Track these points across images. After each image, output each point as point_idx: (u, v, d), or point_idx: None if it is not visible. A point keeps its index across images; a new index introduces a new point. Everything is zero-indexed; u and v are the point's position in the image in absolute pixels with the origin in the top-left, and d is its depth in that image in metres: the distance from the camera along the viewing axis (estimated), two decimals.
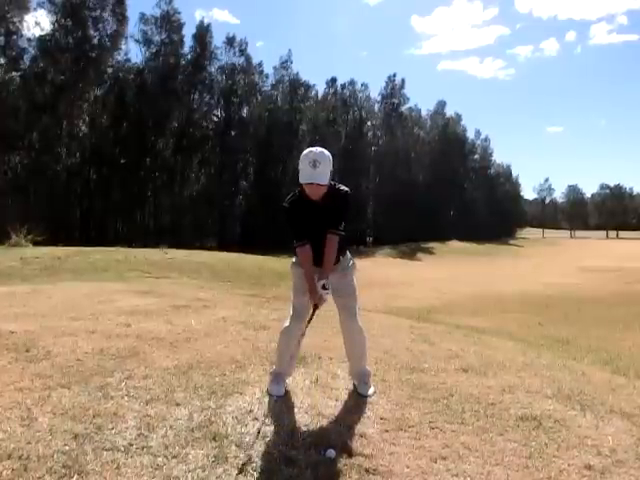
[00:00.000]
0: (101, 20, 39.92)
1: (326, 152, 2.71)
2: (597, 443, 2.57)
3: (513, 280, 23.29)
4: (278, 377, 2.97)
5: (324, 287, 2.77)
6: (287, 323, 2.98)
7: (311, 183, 2.66)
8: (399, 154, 57.95)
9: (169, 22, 43.32)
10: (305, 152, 2.71)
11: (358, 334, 2.98)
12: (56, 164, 38.09)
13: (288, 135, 46.55)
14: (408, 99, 61.11)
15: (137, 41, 42.65)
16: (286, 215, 2.83)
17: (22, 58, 37.06)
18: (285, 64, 50.77)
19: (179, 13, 43.76)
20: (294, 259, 3.00)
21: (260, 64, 49.58)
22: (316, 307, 2.84)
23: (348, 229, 2.99)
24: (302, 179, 2.67)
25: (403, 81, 60.29)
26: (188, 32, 45.12)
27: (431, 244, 48.06)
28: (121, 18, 40.65)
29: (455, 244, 50.13)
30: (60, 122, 38.55)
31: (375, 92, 60.48)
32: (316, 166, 2.63)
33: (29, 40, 37.02)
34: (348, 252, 3.04)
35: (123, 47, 41.97)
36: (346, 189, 2.83)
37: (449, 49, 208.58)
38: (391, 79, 60.07)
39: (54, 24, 37.83)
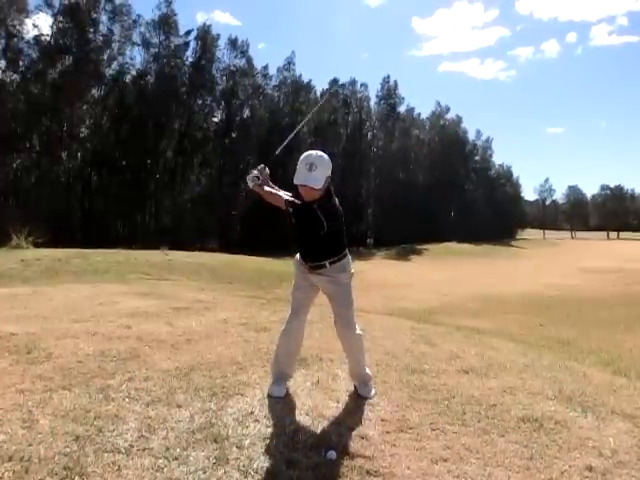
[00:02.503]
0: (100, 22, 40.09)
1: (325, 156, 2.70)
2: (598, 444, 2.57)
3: (514, 281, 23.26)
4: (279, 379, 2.98)
5: (257, 177, 2.95)
6: (286, 323, 2.99)
7: (304, 185, 2.65)
8: (398, 155, 58.04)
9: (167, 24, 43.42)
10: (305, 154, 2.70)
11: (355, 340, 2.96)
12: (57, 166, 38.15)
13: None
14: (403, 99, 61.73)
15: (135, 44, 42.71)
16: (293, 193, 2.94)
17: (22, 60, 37.14)
18: (288, 66, 51.04)
19: (175, 15, 43.93)
20: (297, 255, 3.02)
21: (266, 67, 50.11)
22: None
23: (348, 231, 2.99)
24: (296, 179, 2.67)
25: (396, 83, 61.05)
26: (189, 34, 45.30)
27: (431, 245, 47.99)
28: (121, 20, 40.79)
29: (455, 245, 50.05)
30: (61, 124, 38.63)
31: (373, 93, 60.94)
32: (312, 169, 2.62)
33: (28, 42, 37.12)
34: (349, 257, 2.97)
35: (123, 49, 42.09)
36: (338, 208, 2.83)
37: (450, 50, 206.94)
38: (385, 80, 60.77)
39: (52, 27, 37.97)
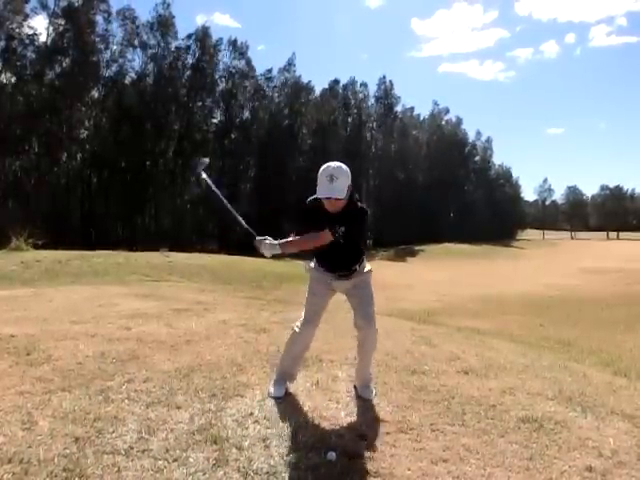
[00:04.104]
0: (99, 24, 40.24)
1: (343, 166, 2.73)
2: (598, 445, 2.57)
3: (513, 281, 23.27)
4: (281, 379, 2.99)
5: (268, 246, 2.73)
6: (297, 328, 2.96)
7: (329, 197, 2.67)
8: (398, 156, 58.15)
9: (165, 26, 43.50)
10: (323, 167, 2.72)
11: (373, 337, 2.92)
12: (57, 167, 38.17)
13: (289, 138, 46.63)
14: (399, 98, 62.03)
15: (134, 46, 42.73)
16: (300, 216, 2.93)
17: (21, 62, 37.17)
18: (288, 67, 51.23)
19: (174, 17, 44.14)
20: (312, 263, 3.02)
21: (270, 70, 50.36)
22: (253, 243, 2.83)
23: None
24: (319, 193, 2.68)
25: (392, 83, 61.37)
26: (190, 38, 45.37)
27: (430, 246, 48.00)
28: (124, 25, 40.92)
29: (455, 246, 50.04)
30: (60, 126, 38.66)
31: (372, 94, 61.12)
32: (333, 180, 2.64)
33: (25, 44, 37.13)
34: (365, 260, 3.01)
35: (124, 52, 42.16)
36: (364, 208, 2.83)
37: (449, 52, 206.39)
38: (382, 81, 61.06)
39: (47, 28, 38.09)
